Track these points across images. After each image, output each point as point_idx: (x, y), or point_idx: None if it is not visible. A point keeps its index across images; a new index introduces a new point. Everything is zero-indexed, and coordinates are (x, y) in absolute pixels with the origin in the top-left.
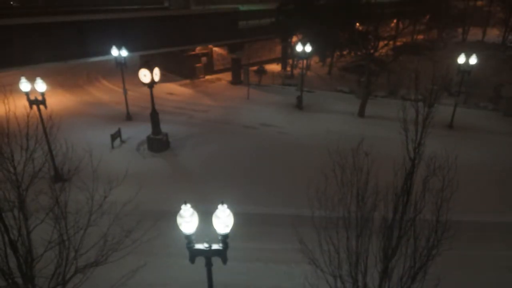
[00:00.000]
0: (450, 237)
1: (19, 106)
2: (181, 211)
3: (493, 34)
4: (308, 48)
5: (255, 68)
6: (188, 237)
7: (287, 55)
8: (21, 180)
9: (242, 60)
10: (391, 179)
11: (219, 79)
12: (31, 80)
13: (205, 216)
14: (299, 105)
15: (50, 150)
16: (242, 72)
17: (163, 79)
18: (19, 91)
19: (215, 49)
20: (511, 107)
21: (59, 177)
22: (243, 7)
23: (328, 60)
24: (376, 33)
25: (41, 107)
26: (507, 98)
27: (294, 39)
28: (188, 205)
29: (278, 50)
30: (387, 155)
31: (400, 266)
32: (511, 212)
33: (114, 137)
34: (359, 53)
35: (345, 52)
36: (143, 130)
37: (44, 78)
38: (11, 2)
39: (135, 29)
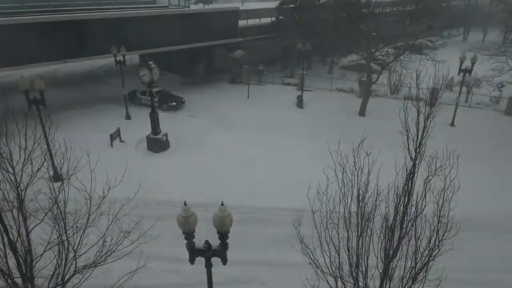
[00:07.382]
0: (451, 237)
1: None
2: (181, 212)
3: (494, 34)
4: (308, 48)
5: (254, 68)
6: (187, 238)
7: (287, 54)
8: (20, 180)
9: (242, 60)
10: (392, 178)
11: (218, 79)
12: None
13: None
14: (299, 105)
15: (49, 150)
16: (242, 72)
17: (163, 78)
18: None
19: (215, 49)
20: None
21: (58, 177)
22: (243, 7)
23: (329, 59)
24: (376, 33)
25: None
26: (508, 97)
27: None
28: (188, 206)
29: (278, 50)
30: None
31: (401, 267)
32: None
33: (113, 136)
34: (360, 52)
35: (345, 52)
36: (143, 129)
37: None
38: None
39: (134, 29)
